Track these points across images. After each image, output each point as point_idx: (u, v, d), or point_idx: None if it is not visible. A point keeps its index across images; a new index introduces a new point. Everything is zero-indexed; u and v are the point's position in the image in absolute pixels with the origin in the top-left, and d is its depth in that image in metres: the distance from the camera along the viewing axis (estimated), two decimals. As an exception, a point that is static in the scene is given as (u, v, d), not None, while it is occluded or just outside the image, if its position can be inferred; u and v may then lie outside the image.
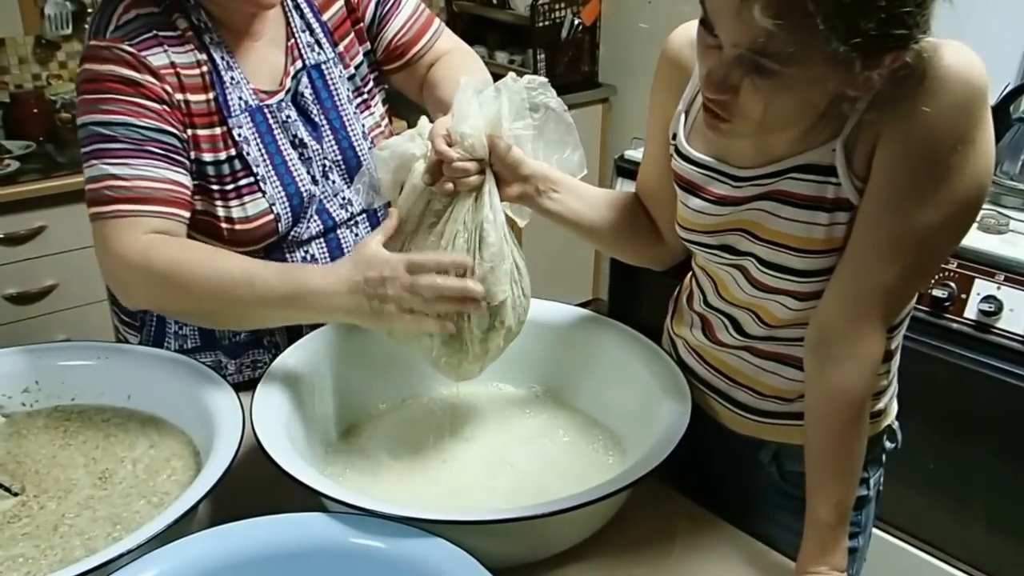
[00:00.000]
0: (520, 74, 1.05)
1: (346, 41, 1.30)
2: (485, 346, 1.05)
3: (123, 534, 0.91)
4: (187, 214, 1.14)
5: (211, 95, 1.16)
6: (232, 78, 1.17)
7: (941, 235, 0.88)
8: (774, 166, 0.93)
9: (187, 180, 1.14)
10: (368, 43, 1.32)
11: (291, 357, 1.13)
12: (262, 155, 1.20)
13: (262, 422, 0.98)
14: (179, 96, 1.13)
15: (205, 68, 1.15)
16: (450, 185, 1.01)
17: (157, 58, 1.11)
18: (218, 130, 1.17)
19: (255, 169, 1.18)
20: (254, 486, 0.94)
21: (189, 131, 1.15)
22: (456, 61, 1.33)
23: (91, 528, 0.93)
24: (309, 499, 0.90)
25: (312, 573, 0.87)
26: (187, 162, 1.15)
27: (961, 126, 0.83)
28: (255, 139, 1.19)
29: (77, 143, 1.13)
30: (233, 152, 1.17)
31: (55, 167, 2.51)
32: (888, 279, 0.89)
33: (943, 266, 1.82)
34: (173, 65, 1.12)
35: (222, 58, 1.17)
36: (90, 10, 2.84)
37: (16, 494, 0.98)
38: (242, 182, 1.18)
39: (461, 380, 1.11)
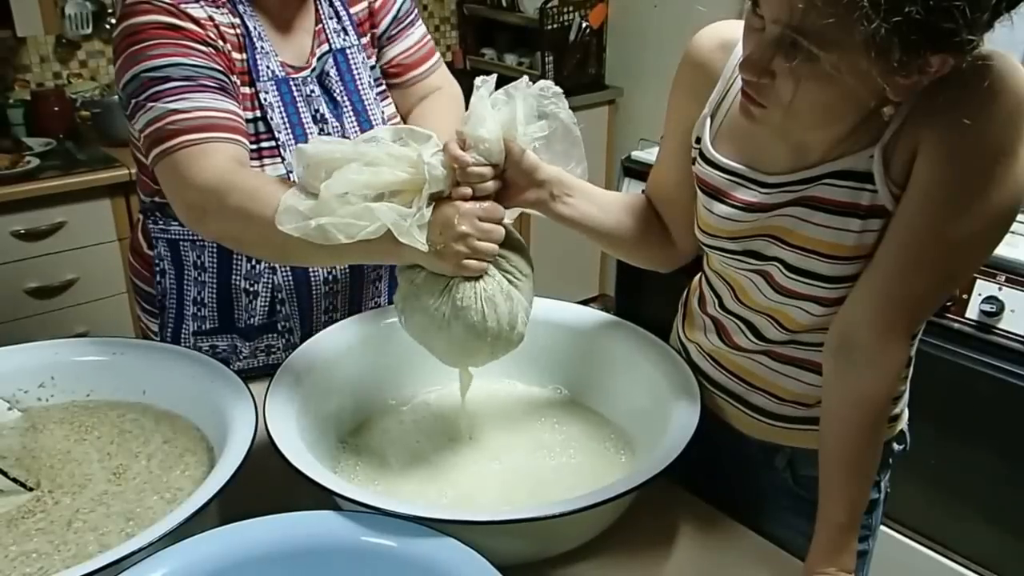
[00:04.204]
0: (530, 76, 1.04)
1: (367, 39, 1.34)
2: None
3: (136, 530, 0.92)
4: (249, 145, 1.15)
5: (244, 55, 1.19)
6: (262, 47, 1.21)
7: (975, 246, 0.87)
8: (807, 172, 0.92)
9: (242, 113, 1.15)
10: (375, 52, 1.35)
11: (304, 354, 1.13)
12: (284, 123, 1.22)
13: (275, 419, 0.98)
14: (221, 44, 1.16)
15: (239, 31, 1.19)
16: (467, 190, 0.98)
17: (196, 11, 1.13)
18: (247, 90, 1.20)
19: (277, 134, 1.21)
20: (266, 482, 0.94)
21: (234, 77, 1.17)
22: (442, 104, 1.36)
23: (105, 524, 0.94)
24: (321, 496, 0.89)
25: (323, 571, 0.87)
26: (238, 99, 1.16)
27: (1005, 137, 0.81)
28: (279, 107, 1.22)
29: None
30: (259, 114, 1.21)
31: (75, 164, 2.53)
32: (918, 288, 0.88)
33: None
34: (211, 19, 1.15)
35: (255, 27, 1.20)
36: (110, 11, 2.87)
37: (31, 489, 0.99)
38: (264, 144, 1.21)
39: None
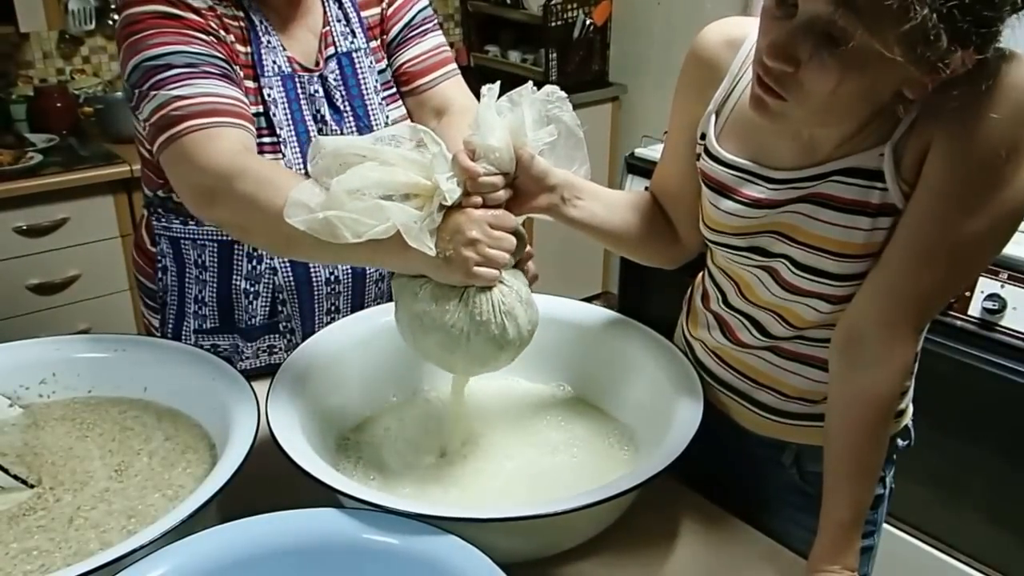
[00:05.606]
0: (534, 75, 1.03)
1: (376, 43, 1.33)
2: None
3: (138, 527, 0.92)
4: (254, 131, 1.13)
5: (249, 49, 1.18)
6: (268, 41, 1.20)
7: (984, 244, 0.87)
8: (815, 169, 0.91)
9: (246, 100, 1.14)
10: (385, 57, 1.34)
11: (305, 352, 1.13)
12: (287, 120, 1.22)
13: (277, 416, 0.98)
14: (223, 34, 1.15)
15: (243, 23, 1.18)
16: (478, 199, 0.96)
17: (196, 1, 1.12)
18: (251, 84, 1.19)
19: (278, 131, 1.20)
20: (268, 479, 0.94)
21: (237, 68, 1.16)
22: (461, 129, 1.33)
23: (106, 521, 0.93)
24: (322, 493, 0.89)
25: (324, 569, 0.87)
26: (242, 89, 1.15)
27: (1015, 136, 0.81)
28: (283, 103, 1.21)
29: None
30: (261, 109, 1.20)
31: (78, 160, 2.54)
32: (926, 286, 0.88)
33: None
34: (213, 9, 1.14)
35: (260, 22, 1.19)
36: (113, 6, 2.86)
37: (32, 486, 0.99)
38: (265, 140, 1.20)
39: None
